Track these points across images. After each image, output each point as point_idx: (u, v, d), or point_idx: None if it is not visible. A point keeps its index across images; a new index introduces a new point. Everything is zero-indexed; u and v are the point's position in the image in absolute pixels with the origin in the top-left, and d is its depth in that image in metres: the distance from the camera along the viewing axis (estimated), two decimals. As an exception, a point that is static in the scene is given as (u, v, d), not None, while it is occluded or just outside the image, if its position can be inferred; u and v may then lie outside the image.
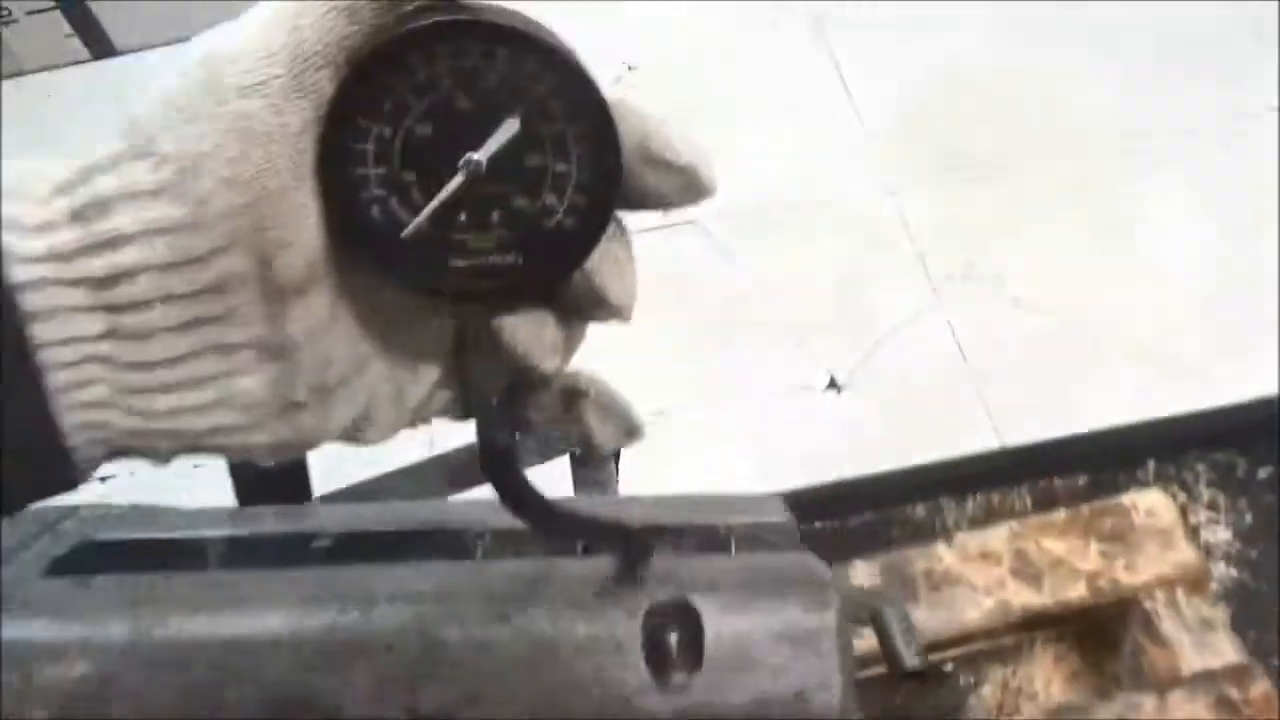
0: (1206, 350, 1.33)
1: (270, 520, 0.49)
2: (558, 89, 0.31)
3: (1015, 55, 1.68)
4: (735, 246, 1.50)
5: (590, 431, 0.37)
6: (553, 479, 0.65)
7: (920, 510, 1.32)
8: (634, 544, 0.44)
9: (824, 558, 1.18)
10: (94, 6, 1.84)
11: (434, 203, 0.31)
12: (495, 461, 0.35)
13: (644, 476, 1.30)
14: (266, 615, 0.39)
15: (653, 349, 1.42)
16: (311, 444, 0.34)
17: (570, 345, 0.36)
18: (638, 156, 0.32)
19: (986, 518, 1.25)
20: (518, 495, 0.36)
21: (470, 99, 0.30)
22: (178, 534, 0.47)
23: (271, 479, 0.58)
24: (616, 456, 0.87)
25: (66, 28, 1.88)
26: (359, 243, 0.32)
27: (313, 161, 0.30)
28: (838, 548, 1.32)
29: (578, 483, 0.83)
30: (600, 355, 1.42)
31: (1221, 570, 1.24)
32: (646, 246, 1.48)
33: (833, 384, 1.35)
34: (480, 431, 0.35)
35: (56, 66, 1.87)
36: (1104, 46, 1.68)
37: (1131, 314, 1.38)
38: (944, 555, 1.11)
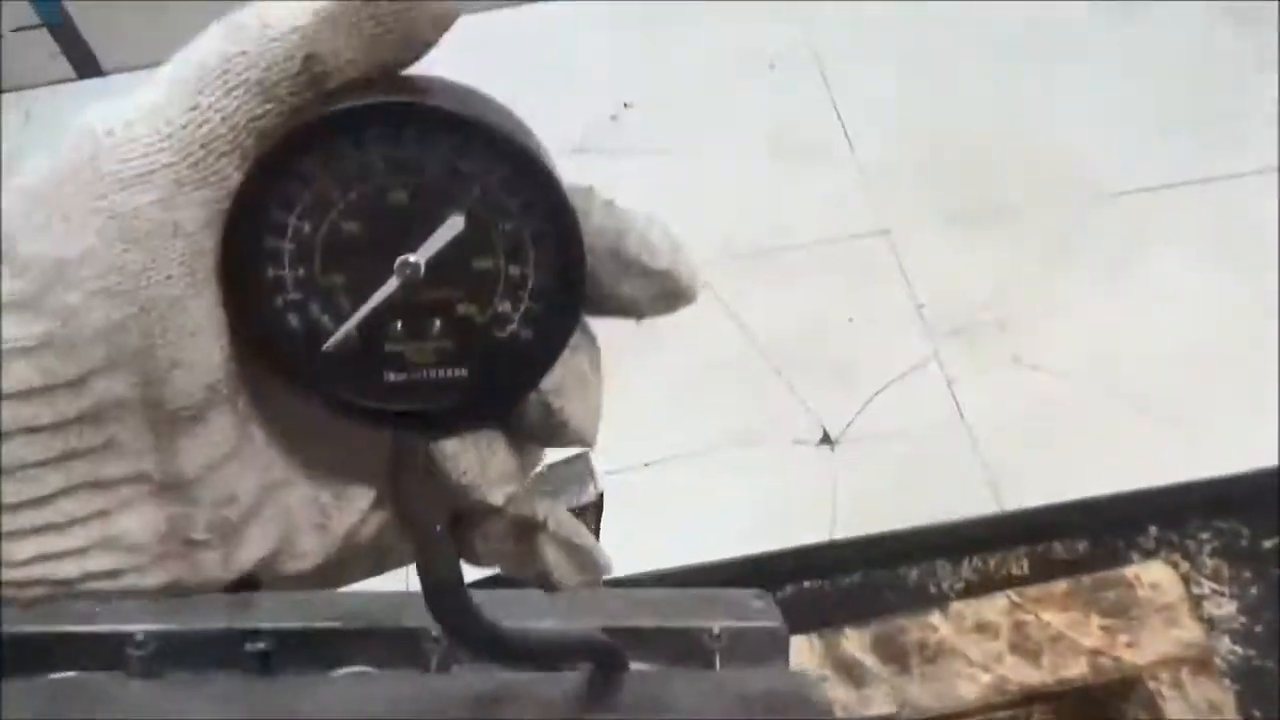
0: (1212, 416, 1.29)
1: (209, 612, 0.44)
2: (510, 182, 0.26)
3: (1018, 103, 1.66)
4: (728, 292, 1.46)
5: (547, 569, 0.31)
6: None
7: (914, 573, 1.27)
8: (606, 661, 0.39)
9: (813, 620, 1.12)
10: (81, 26, 1.81)
11: (362, 310, 0.26)
12: (438, 597, 0.30)
13: (629, 533, 1.25)
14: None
15: (640, 397, 1.37)
16: (214, 585, 0.28)
17: (525, 472, 0.30)
18: (608, 257, 0.27)
19: (983, 583, 1.20)
20: (465, 632, 0.31)
21: (407, 192, 0.26)
22: (98, 626, 0.42)
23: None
24: (598, 514, 0.81)
25: (54, 46, 1.84)
26: (273, 356, 0.27)
27: (215, 264, 0.25)
28: (827, 609, 1.28)
29: (556, 548, 0.78)
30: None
31: (1226, 645, 1.19)
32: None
33: (826, 438, 1.30)
34: (420, 564, 0.30)
35: (39, 85, 1.83)
36: (1109, 97, 1.67)
37: (1136, 375, 1.34)
38: (939, 625, 1.07)
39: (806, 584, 1.23)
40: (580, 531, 0.31)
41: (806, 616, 1.21)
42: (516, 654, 0.33)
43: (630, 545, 1.14)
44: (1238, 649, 1.18)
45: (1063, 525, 1.22)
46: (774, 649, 0.44)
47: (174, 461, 0.26)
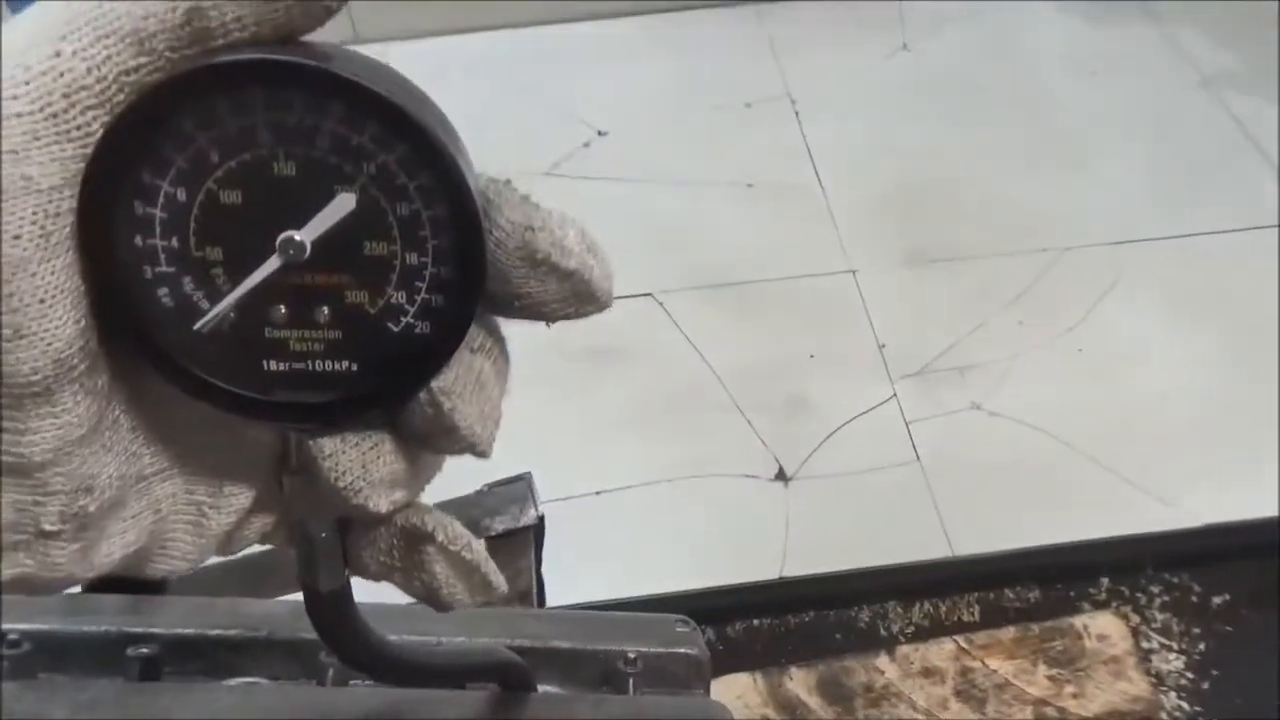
0: (1167, 470, 1.29)
1: (98, 614, 0.42)
2: (409, 161, 0.24)
3: (986, 153, 1.68)
4: (691, 323, 1.45)
5: (437, 584, 0.28)
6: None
7: (865, 614, 1.26)
8: (512, 681, 0.37)
9: (763, 658, 1.10)
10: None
11: (239, 289, 0.24)
12: (320, 608, 0.28)
13: (576, 561, 1.22)
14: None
15: (593, 424, 1.35)
16: (69, 582, 0.26)
17: (417, 479, 0.28)
18: (517, 253, 0.25)
19: (933, 628, 1.19)
20: (349, 648, 0.29)
21: (294, 164, 0.23)
22: (-24, 624, 0.39)
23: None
24: (539, 537, 0.79)
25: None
26: (138, 335, 0.24)
27: (73, 227, 0.23)
28: (775, 648, 1.25)
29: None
30: (534, 428, 1.34)
31: (1173, 701, 1.18)
32: (595, 316, 1.43)
33: (781, 474, 1.29)
34: (302, 572, 0.28)
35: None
36: (1075, 151, 1.69)
37: (1093, 426, 1.34)
38: (885, 668, 1.05)
39: (756, 621, 1.21)
40: (474, 548, 0.28)
41: (756, 654, 1.19)
42: (406, 673, 0.31)
43: (576, 574, 1.13)
44: (1184, 705, 1.17)
45: (1015, 572, 1.21)
46: (694, 676, 0.42)
47: (19, 443, 0.23)
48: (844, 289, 1.49)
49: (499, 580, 0.29)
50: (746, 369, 1.39)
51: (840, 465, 1.29)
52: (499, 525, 0.75)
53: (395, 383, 0.25)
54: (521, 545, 0.76)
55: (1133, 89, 1.75)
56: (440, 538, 0.28)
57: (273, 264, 0.24)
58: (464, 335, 0.25)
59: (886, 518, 1.25)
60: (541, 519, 0.76)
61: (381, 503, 0.27)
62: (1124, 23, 1.86)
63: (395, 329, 0.25)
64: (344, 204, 0.24)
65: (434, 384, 0.25)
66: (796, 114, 1.74)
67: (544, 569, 0.83)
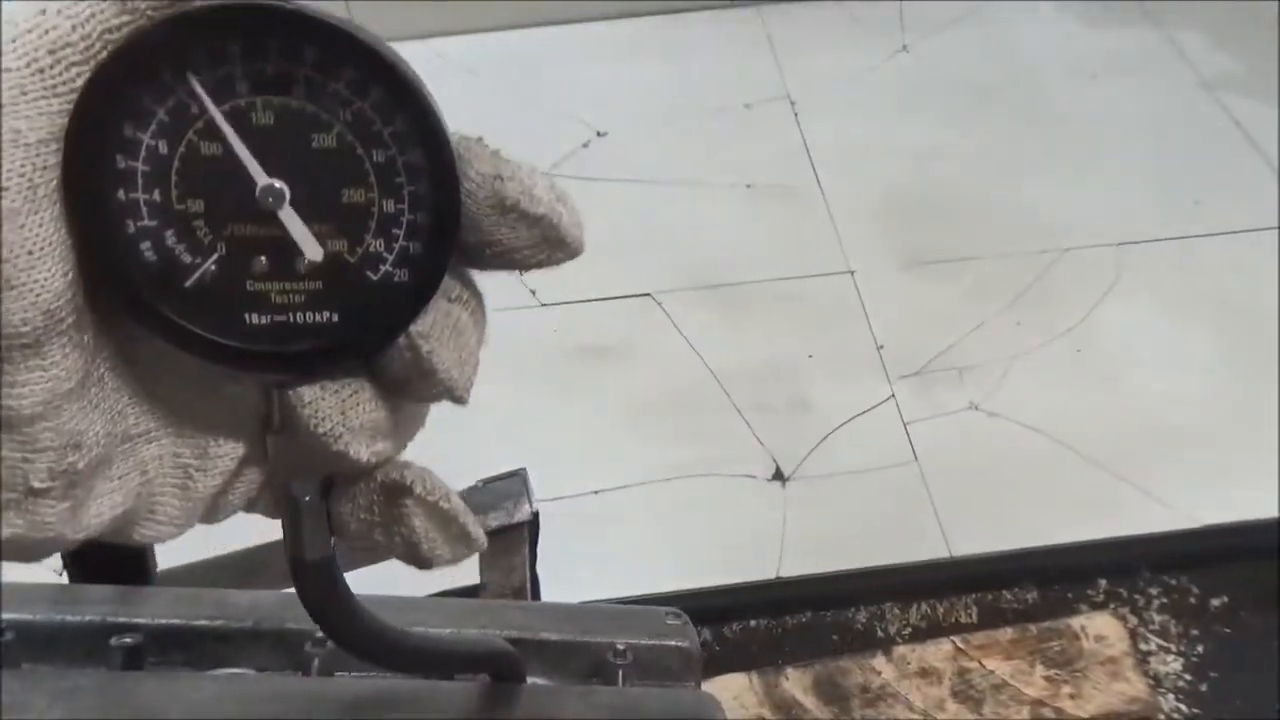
0: (1166, 471, 1.29)
1: (83, 604, 0.41)
2: (385, 106, 0.24)
3: (985, 154, 1.68)
4: (688, 323, 1.45)
5: (416, 538, 0.28)
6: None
7: (862, 615, 1.25)
8: (503, 671, 0.36)
9: (757, 659, 1.09)
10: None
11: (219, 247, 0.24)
12: (307, 579, 0.28)
13: (573, 560, 1.22)
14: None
15: (591, 424, 1.35)
16: (59, 543, 0.26)
17: (399, 430, 0.28)
18: (487, 202, 0.25)
19: (931, 629, 1.18)
20: (335, 622, 0.29)
21: (271, 111, 0.24)
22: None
23: (103, 552, 0.50)
24: (533, 532, 0.79)
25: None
26: (123, 288, 0.24)
27: (59, 180, 0.23)
28: (772, 649, 1.25)
29: (486, 562, 0.75)
30: (532, 427, 1.33)
31: (1170, 703, 1.18)
32: (593, 315, 1.43)
33: (778, 474, 1.29)
34: (288, 539, 0.27)
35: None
36: (1075, 152, 1.69)
37: (1091, 427, 1.34)
38: (882, 669, 1.05)
39: (753, 622, 1.21)
40: (451, 499, 0.28)
41: (753, 655, 1.19)
42: (398, 655, 0.31)
43: (572, 573, 1.12)
44: (1183, 707, 1.17)
45: (1012, 573, 1.21)
46: (684, 669, 0.42)
47: (9, 394, 0.23)
48: (842, 289, 1.48)
49: (478, 532, 0.29)
50: (744, 369, 1.39)
51: (838, 465, 1.29)
52: (493, 521, 0.74)
53: (374, 330, 0.25)
54: (516, 542, 0.75)
55: (1132, 90, 1.75)
56: (419, 489, 0.28)
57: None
58: (440, 280, 0.25)
59: (884, 518, 1.25)
60: (536, 515, 0.76)
61: (362, 450, 0.27)
62: (1124, 24, 1.86)
63: (374, 277, 0.25)
64: (321, 151, 0.24)
65: (412, 328, 0.25)
66: (796, 115, 1.74)
67: (540, 569, 0.82)
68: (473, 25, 1.88)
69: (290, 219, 0.24)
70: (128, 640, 0.38)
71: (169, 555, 0.64)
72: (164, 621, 0.40)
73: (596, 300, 1.46)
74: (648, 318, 1.45)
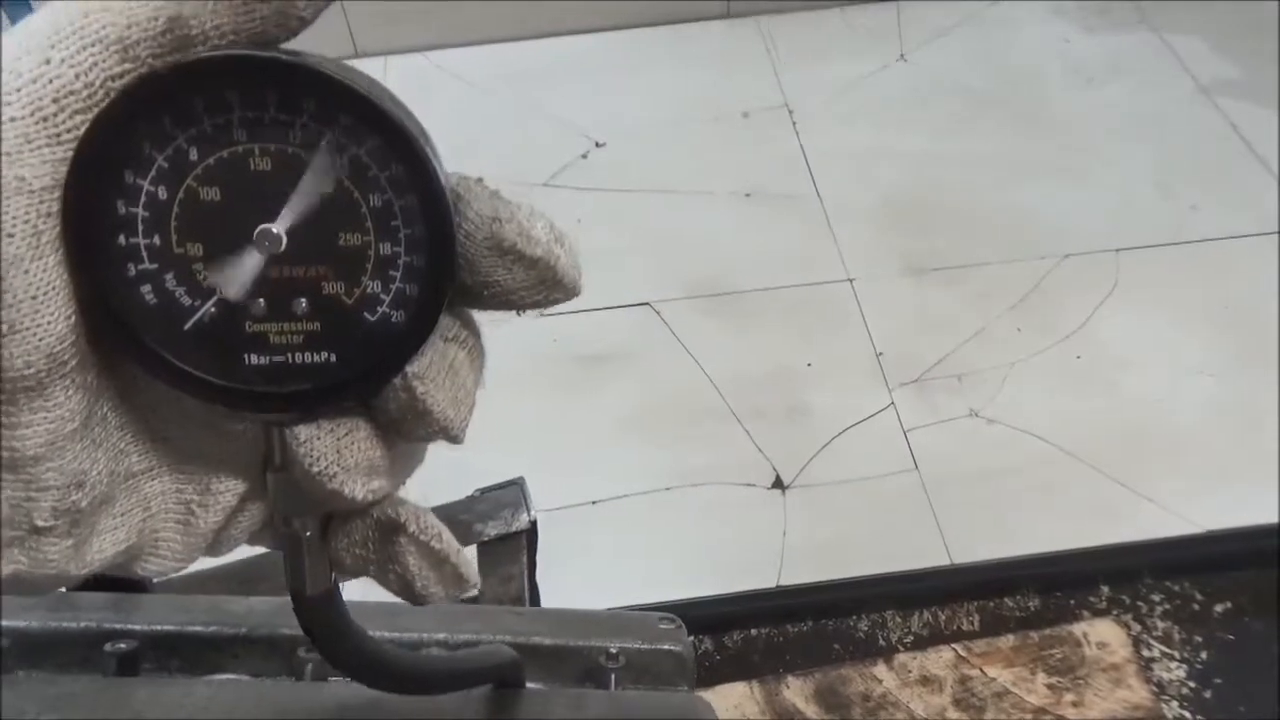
0: (1167, 477, 1.29)
1: (78, 611, 0.41)
2: (379, 152, 0.24)
3: (983, 162, 1.68)
4: (688, 332, 1.45)
5: (410, 576, 0.28)
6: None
7: (864, 624, 1.25)
8: (507, 680, 0.36)
9: (758, 669, 1.09)
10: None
11: (224, 287, 0.25)
12: (309, 613, 0.28)
13: (571, 570, 1.22)
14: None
15: (590, 433, 1.35)
16: (62, 579, 0.26)
17: (395, 468, 0.28)
18: (485, 244, 0.26)
19: (933, 637, 1.18)
20: (340, 653, 0.29)
21: (269, 158, 0.24)
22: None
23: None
24: (531, 542, 0.79)
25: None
26: (124, 331, 0.25)
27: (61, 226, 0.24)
28: (773, 658, 1.24)
29: (483, 571, 0.75)
30: (531, 437, 1.33)
31: (1175, 710, 1.17)
32: (593, 324, 1.43)
33: (778, 482, 1.28)
34: (289, 574, 0.28)
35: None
36: (1074, 159, 1.69)
37: (1092, 433, 1.34)
38: (883, 677, 1.04)
39: (754, 631, 1.20)
40: (445, 538, 0.28)
41: (754, 665, 1.18)
42: (400, 679, 0.31)
43: (571, 583, 1.12)
44: (1187, 714, 1.16)
45: (1014, 580, 1.20)
46: (677, 673, 0.42)
47: (13, 436, 0.24)
48: (841, 297, 1.49)
49: (471, 573, 0.29)
50: (744, 377, 1.39)
51: (838, 473, 1.29)
52: (491, 530, 0.74)
53: (371, 370, 0.26)
54: (514, 550, 0.75)
55: (1130, 96, 1.75)
56: (412, 528, 0.28)
57: (252, 259, 0.24)
58: (436, 321, 0.26)
59: (885, 526, 1.25)
60: (534, 524, 0.76)
61: (357, 489, 0.27)
62: (1121, 29, 1.86)
63: (371, 319, 0.26)
64: (315, 195, 0.24)
65: (407, 369, 0.26)
66: (794, 123, 1.75)
67: (539, 579, 0.82)
68: (472, 37, 1.89)
69: (248, 260, 0.24)
70: (122, 646, 0.38)
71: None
72: (158, 628, 0.41)
73: (596, 310, 1.46)
74: (647, 327, 1.45)
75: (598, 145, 1.72)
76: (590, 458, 1.30)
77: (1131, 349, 1.40)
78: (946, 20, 1.89)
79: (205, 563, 0.74)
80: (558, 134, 1.72)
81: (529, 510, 0.76)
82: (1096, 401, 1.35)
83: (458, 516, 0.72)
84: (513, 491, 0.76)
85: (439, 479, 0.29)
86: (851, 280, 1.51)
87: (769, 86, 1.81)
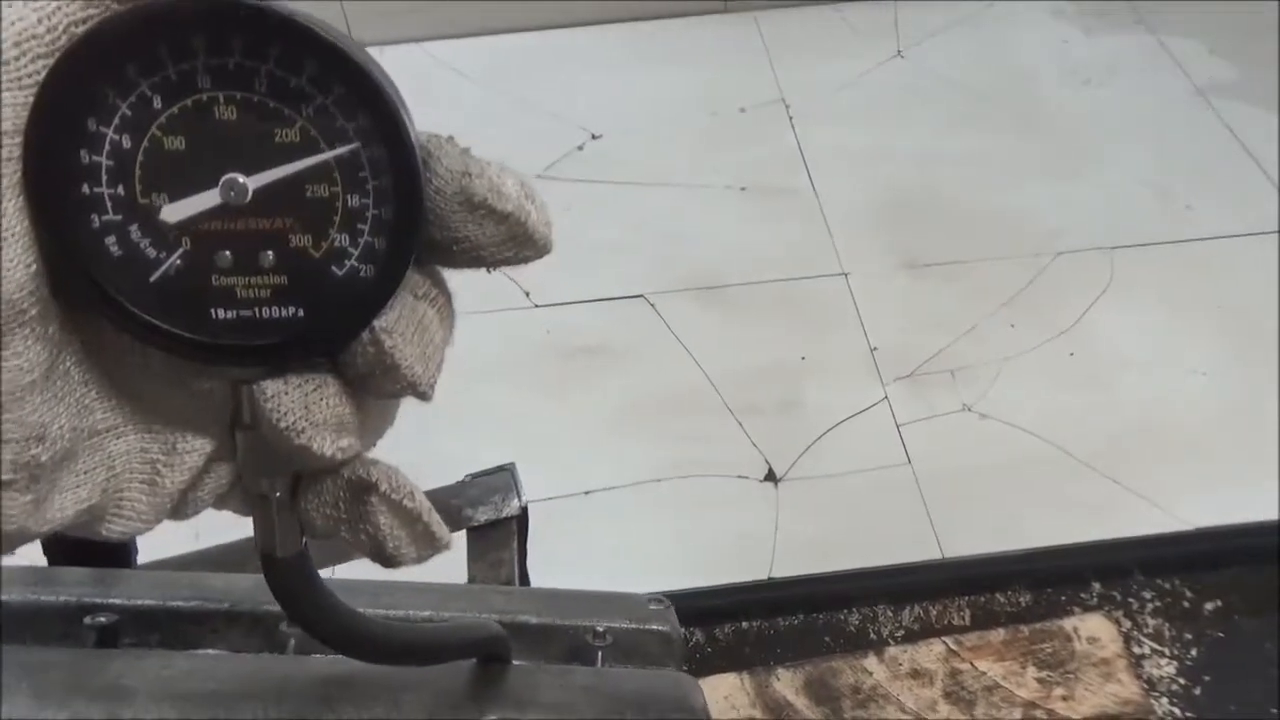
0: (1159, 474, 1.29)
1: (59, 585, 0.41)
2: (347, 101, 0.24)
3: (979, 158, 1.68)
4: (681, 325, 1.45)
5: (381, 536, 0.28)
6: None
7: (855, 617, 1.25)
8: (490, 654, 0.36)
9: (749, 661, 1.09)
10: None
11: (178, 212, 0.24)
12: (279, 576, 0.28)
13: (564, 561, 1.21)
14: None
15: (583, 425, 1.35)
16: (22, 536, 0.26)
17: (366, 427, 0.28)
18: (455, 198, 0.26)
19: (924, 631, 1.18)
20: (313, 619, 0.28)
21: (234, 106, 0.24)
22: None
23: (82, 543, 0.49)
24: (522, 528, 0.78)
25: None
26: (89, 282, 0.24)
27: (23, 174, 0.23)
28: (764, 651, 1.24)
29: (473, 556, 0.74)
30: (524, 427, 1.33)
31: (1165, 707, 1.17)
32: (587, 316, 1.43)
33: (771, 475, 1.28)
34: (258, 536, 0.27)
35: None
36: (1069, 156, 1.69)
37: (1084, 429, 1.34)
38: (873, 669, 1.04)
39: (745, 624, 1.20)
40: (416, 497, 0.28)
41: (745, 657, 1.18)
42: (377, 649, 0.30)
43: (562, 574, 1.12)
44: (1176, 711, 1.16)
45: (1005, 576, 1.20)
46: (665, 653, 0.41)
47: None
48: (836, 292, 1.48)
49: (442, 532, 0.29)
50: (738, 371, 1.38)
51: (831, 467, 1.28)
52: (481, 516, 0.74)
53: (339, 324, 0.26)
54: (504, 536, 0.75)
55: (1127, 96, 1.75)
56: (384, 487, 0.28)
57: (211, 199, 0.24)
58: (403, 275, 0.25)
59: (877, 520, 1.25)
60: (525, 510, 0.76)
61: (326, 445, 0.26)
62: (1118, 30, 1.87)
63: (339, 272, 0.25)
64: (285, 147, 0.24)
65: (376, 323, 0.26)
66: (790, 119, 1.74)
67: (530, 569, 0.82)
68: (467, 29, 1.88)
69: (203, 198, 0.24)
70: (102, 620, 0.38)
71: (152, 550, 0.64)
72: (139, 602, 0.40)
73: (590, 301, 1.46)
74: (641, 319, 1.45)
75: (594, 137, 1.72)
76: (583, 449, 1.30)
77: (1125, 346, 1.40)
78: (944, 18, 1.89)
79: (189, 546, 0.73)
80: (553, 126, 1.72)
81: (520, 496, 0.75)
82: (1089, 398, 1.36)
83: (448, 501, 0.72)
84: (503, 477, 0.76)
85: (433, 469, 0.29)
86: (846, 275, 1.50)
87: (766, 81, 1.80)
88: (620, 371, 1.39)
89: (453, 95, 1.77)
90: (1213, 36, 1.83)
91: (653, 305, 1.46)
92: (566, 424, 1.33)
